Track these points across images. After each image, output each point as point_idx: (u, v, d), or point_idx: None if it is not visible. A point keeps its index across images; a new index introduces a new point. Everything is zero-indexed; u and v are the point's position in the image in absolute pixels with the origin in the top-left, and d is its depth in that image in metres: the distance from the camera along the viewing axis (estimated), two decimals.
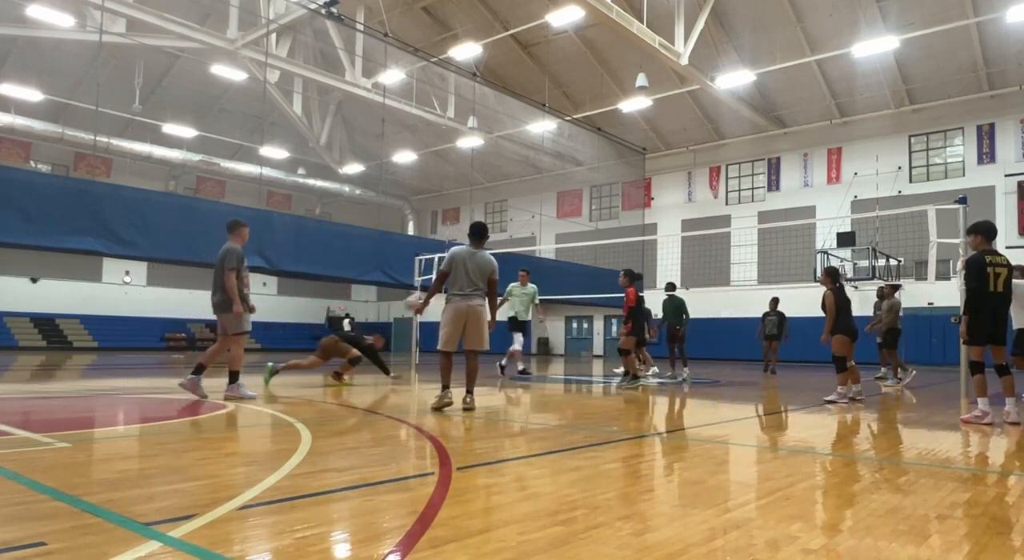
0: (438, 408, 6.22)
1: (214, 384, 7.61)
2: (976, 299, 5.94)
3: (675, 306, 12.76)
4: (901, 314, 11.94)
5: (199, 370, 7.10)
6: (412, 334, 15.90)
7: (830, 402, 7.72)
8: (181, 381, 7.20)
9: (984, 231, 6.10)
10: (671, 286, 13.32)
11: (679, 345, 12.79)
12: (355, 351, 9.45)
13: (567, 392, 9.54)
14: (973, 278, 5.93)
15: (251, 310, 7.23)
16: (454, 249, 6.59)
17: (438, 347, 6.48)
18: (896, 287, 12.54)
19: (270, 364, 9.35)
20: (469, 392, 6.51)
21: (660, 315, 13.48)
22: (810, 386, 11.10)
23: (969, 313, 6.01)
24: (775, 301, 14.39)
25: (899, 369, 11.61)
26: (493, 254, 6.80)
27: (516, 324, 11.84)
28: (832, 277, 8.17)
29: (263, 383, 8.82)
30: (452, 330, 6.37)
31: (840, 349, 7.94)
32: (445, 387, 6.39)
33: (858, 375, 8.15)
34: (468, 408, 6.38)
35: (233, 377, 7.14)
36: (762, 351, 14.87)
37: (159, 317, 30.60)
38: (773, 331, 14.21)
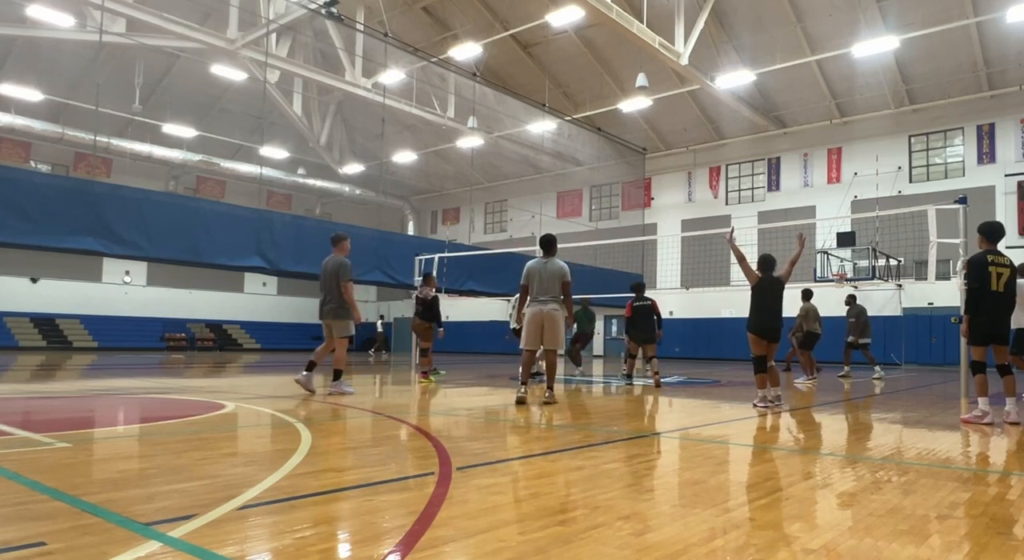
0: (519, 401, 6.97)
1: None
2: (976, 299, 5.95)
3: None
4: (820, 317, 12.82)
5: (311, 367, 7.85)
6: (413, 334, 15.92)
7: (755, 406, 7.22)
8: (330, 391, 7.80)
9: (986, 232, 6.11)
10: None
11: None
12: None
13: (567, 392, 9.53)
14: (974, 278, 5.95)
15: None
16: (528, 263, 7.42)
17: (520, 346, 7.46)
18: (809, 294, 12.86)
19: (442, 372, 10.54)
20: (549, 388, 7.30)
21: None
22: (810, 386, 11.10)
23: (969, 313, 6.02)
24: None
25: (813, 369, 12.37)
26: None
27: None
28: (761, 267, 7.53)
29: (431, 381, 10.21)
30: (529, 331, 7.26)
31: (753, 349, 7.30)
32: (523, 383, 7.25)
33: (777, 378, 7.33)
34: (547, 402, 7.07)
35: (337, 375, 7.87)
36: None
37: (159, 317, 30.60)
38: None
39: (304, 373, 7.84)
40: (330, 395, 7.69)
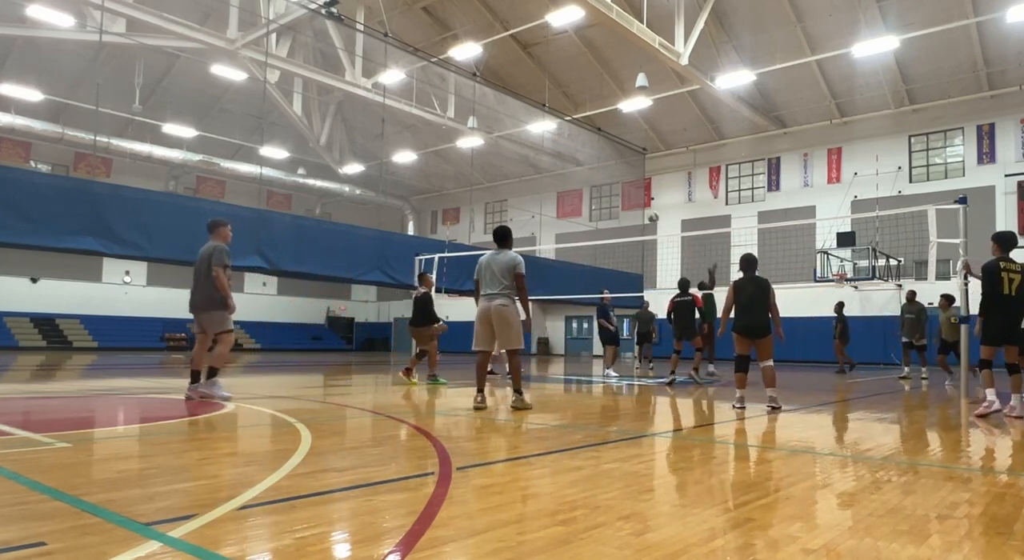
0: (477, 410, 6.36)
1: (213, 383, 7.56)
2: (989, 302, 6.41)
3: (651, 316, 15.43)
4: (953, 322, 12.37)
5: (196, 378, 7.04)
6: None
7: (734, 407, 6.89)
8: (189, 394, 6.94)
9: (999, 240, 6.63)
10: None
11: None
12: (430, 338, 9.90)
13: (567, 392, 9.53)
14: (987, 283, 6.45)
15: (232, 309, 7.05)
16: (481, 257, 6.82)
17: (472, 348, 6.66)
18: (951, 299, 12.50)
19: (414, 380, 9.82)
20: (516, 391, 6.61)
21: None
22: (810, 386, 11.11)
23: (983, 315, 6.48)
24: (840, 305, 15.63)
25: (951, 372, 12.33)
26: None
27: None
28: (741, 266, 7.42)
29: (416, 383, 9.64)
30: (478, 329, 6.59)
31: (735, 347, 7.21)
32: (479, 390, 6.58)
33: (772, 379, 7.02)
34: (516, 407, 6.47)
35: (211, 373, 7.03)
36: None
37: (159, 317, 30.58)
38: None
39: (191, 386, 6.95)
40: (201, 397, 6.82)
